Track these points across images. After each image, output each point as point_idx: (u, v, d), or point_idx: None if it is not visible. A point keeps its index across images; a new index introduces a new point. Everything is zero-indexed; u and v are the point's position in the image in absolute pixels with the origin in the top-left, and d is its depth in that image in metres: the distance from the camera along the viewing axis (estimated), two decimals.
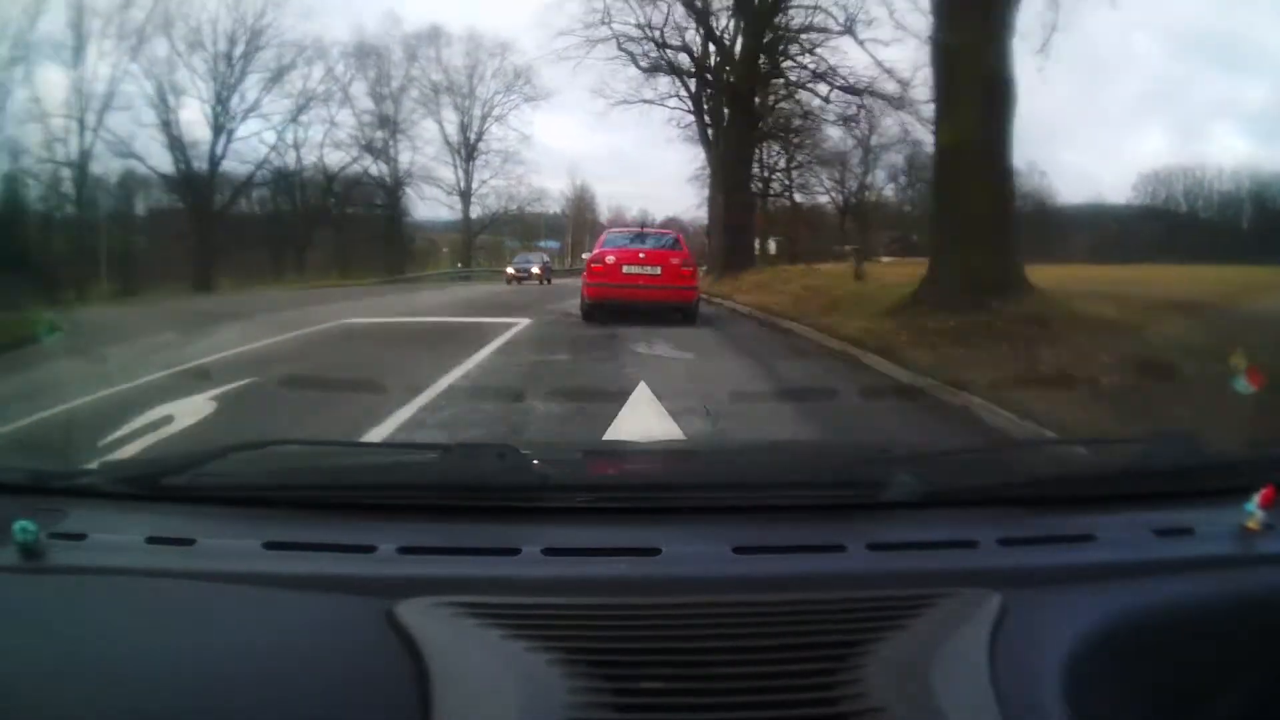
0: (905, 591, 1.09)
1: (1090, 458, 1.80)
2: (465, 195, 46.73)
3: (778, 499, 1.37)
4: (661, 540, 1.21)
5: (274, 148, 37.90)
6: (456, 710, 0.91)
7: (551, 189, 65.46)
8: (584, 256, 13.83)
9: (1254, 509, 1.24)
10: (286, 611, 1.10)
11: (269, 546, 1.22)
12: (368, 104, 42.32)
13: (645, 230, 13.55)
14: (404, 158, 44.42)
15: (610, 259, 11.17)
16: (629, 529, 1.27)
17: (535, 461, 1.40)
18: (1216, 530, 1.25)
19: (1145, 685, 1.03)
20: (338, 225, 41.55)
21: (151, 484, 1.40)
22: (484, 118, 46.43)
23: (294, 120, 38.74)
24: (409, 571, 1.15)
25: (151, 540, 1.25)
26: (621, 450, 2.16)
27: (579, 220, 57.66)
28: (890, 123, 39.44)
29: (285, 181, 39.44)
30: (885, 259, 35.93)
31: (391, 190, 42.74)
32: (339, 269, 36.08)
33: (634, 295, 10.74)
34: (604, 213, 58.26)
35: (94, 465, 1.49)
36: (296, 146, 40.30)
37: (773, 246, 38.17)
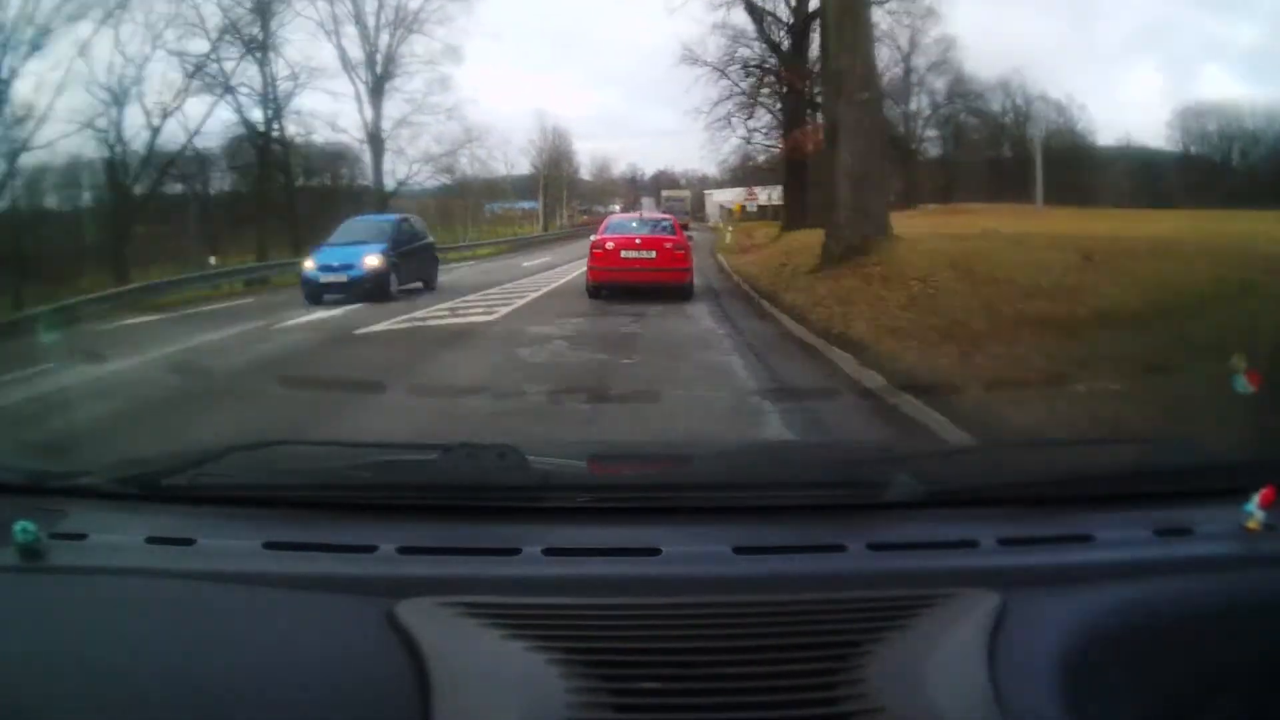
0: (905, 591, 1.09)
1: (1090, 458, 1.80)
2: (375, 140, 30.64)
3: (778, 499, 1.37)
4: (661, 540, 1.21)
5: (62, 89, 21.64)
6: (456, 710, 0.91)
7: (520, 143, 53.25)
8: (590, 237, 14.36)
9: (1254, 509, 1.24)
10: (286, 611, 1.10)
11: (269, 546, 1.22)
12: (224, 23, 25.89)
13: (644, 216, 15.92)
14: (301, 103, 30.00)
15: (610, 244, 12.34)
16: (629, 529, 1.27)
17: (535, 461, 1.40)
18: (1216, 530, 1.25)
19: (1145, 685, 1.03)
20: (200, 200, 27.98)
21: (151, 484, 1.40)
22: (396, 27, 30.58)
23: (99, 28, 22.35)
24: (409, 572, 1.15)
25: (151, 540, 1.25)
26: (621, 450, 2.16)
27: (552, 177, 45.39)
28: (938, 35, 32.47)
29: (105, 147, 23.89)
30: (930, 206, 31.10)
31: (259, 140, 27.79)
32: (215, 251, 22.31)
33: (632, 277, 11.86)
34: (584, 168, 49.90)
35: (94, 465, 1.49)
36: (117, 94, 23.59)
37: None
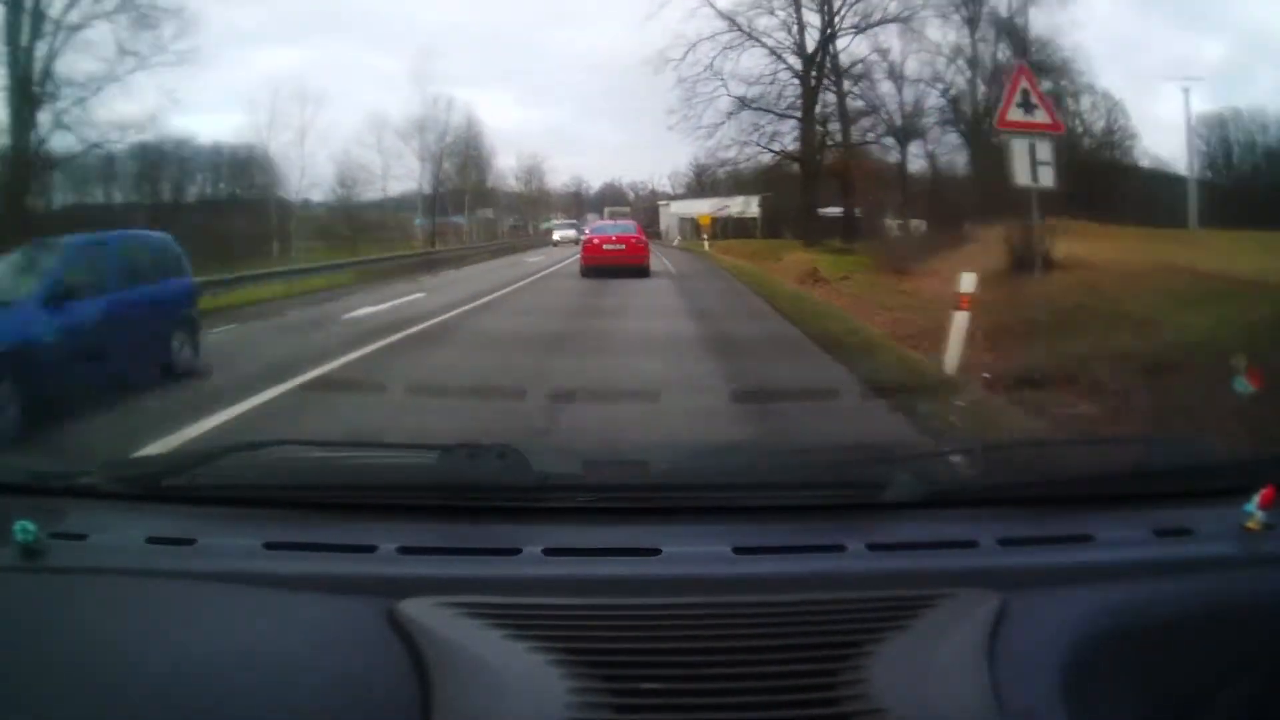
0: (905, 591, 1.09)
1: (1090, 458, 1.80)
2: (16, 79, 17.18)
3: (778, 499, 1.37)
4: (661, 540, 1.21)
5: None
6: (457, 710, 0.91)
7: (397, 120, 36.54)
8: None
9: (1254, 509, 1.24)
10: (287, 611, 1.10)
11: (269, 546, 1.22)
12: None
13: (617, 220, 22.77)
14: None
15: (595, 240, 19.04)
16: (629, 529, 1.27)
17: (535, 462, 1.40)
18: (1216, 530, 1.25)
19: (1145, 685, 1.03)
20: None
21: (151, 484, 1.40)
22: None
23: None
24: (409, 571, 1.15)
25: (151, 540, 1.25)
26: (622, 450, 2.16)
27: (452, 178, 31.74)
28: None
29: None
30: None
31: None
32: None
33: (609, 261, 17.96)
34: (512, 175, 39.49)
35: (94, 465, 1.49)
36: None
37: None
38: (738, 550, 1.20)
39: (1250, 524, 1.23)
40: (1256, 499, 1.24)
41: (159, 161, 23.74)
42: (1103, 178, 23.80)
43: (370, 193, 29.65)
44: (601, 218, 30.09)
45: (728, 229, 29.04)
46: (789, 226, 26.30)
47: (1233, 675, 1.08)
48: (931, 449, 2.11)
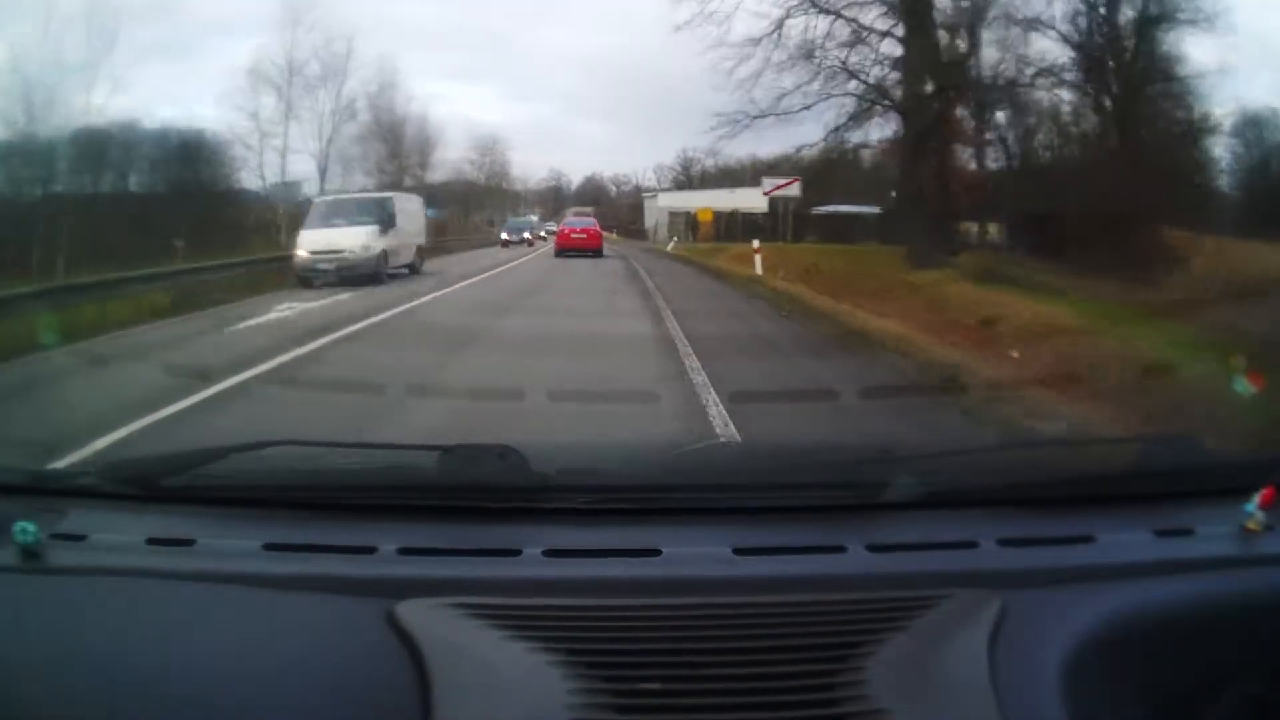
0: (906, 593, 1.09)
1: (1090, 458, 1.80)
2: None
3: (778, 500, 1.36)
4: (662, 541, 1.21)
5: None
6: (457, 710, 0.91)
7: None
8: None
9: (1254, 510, 1.24)
10: (287, 612, 1.10)
11: (269, 547, 1.22)
12: None
13: (583, 215, 27.31)
14: None
15: (566, 230, 23.35)
16: (629, 530, 1.27)
17: (535, 462, 1.40)
18: (1216, 531, 1.25)
19: (1145, 685, 1.03)
20: None
21: (151, 484, 1.39)
22: None
23: None
24: (409, 572, 1.15)
25: (151, 541, 1.25)
26: (621, 451, 2.16)
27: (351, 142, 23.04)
28: None
29: None
30: None
31: None
32: None
33: (575, 245, 22.01)
34: (470, 165, 30.47)
35: (94, 465, 1.49)
36: None
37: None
38: (738, 551, 1.20)
39: (1250, 524, 1.23)
40: (1256, 499, 1.24)
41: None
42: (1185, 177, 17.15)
43: (245, 173, 21.98)
44: (570, 214, 33.37)
45: (732, 228, 22.68)
46: (813, 227, 20.44)
47: (1233, 675, 1.08)
48: (931, 449, 2.10)
